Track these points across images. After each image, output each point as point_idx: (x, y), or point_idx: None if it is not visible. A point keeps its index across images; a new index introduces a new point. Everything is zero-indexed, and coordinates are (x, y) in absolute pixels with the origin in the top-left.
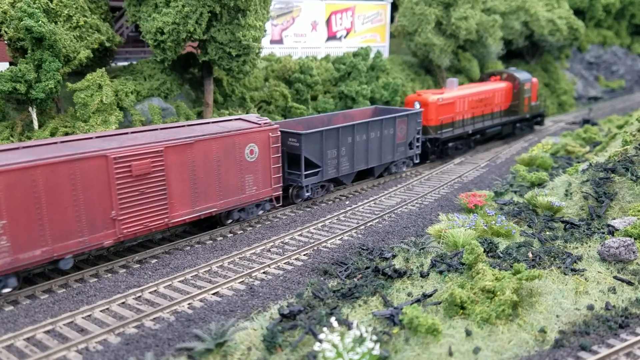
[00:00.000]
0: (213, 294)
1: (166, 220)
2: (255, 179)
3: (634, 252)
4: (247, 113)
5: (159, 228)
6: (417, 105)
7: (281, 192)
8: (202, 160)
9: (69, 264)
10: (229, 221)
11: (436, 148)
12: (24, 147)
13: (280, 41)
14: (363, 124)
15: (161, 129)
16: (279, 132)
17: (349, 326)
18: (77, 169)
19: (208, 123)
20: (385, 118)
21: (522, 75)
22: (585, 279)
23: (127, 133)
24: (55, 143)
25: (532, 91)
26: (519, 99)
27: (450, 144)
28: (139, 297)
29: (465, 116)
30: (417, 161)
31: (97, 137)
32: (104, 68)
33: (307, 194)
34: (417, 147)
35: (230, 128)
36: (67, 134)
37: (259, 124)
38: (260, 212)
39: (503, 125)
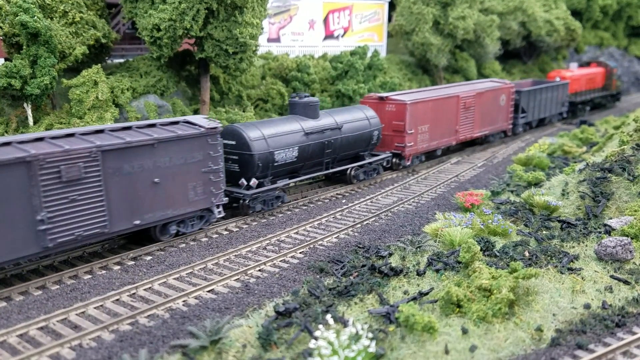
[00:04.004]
0: (208, 291)
1: (472, 134)
2: (501, 117)
3: (630, 252)
4: (243, 111)
5: (468, 139)
6: (558, 79)
7: (511, 127)
8: (485, 103)
9: (440, 152)
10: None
11: (571, 108)
12: (423, 91)
13: (277, 39)
14: (544, 87)
15: (458, 85)
16: (514, 89)
17: (344, 324)
18: (446, 102)
19: (475, 83)
20: (554, 85)
21: (611, 63)
22: (582, 278)
23: (453, 86)
24: (432, 90)
25: (616, 75)
26: (610, 80)
27: (578, 106)
28: (133, 294)
29: (584, 89)
30: (566, 116)
31: (444, 87)
32: (99, 64)
33: (520, 129)
34: (566, 105)
35: (494, 86)
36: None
37: (506, 83)
38: (498, 139)
39: (602, 97)
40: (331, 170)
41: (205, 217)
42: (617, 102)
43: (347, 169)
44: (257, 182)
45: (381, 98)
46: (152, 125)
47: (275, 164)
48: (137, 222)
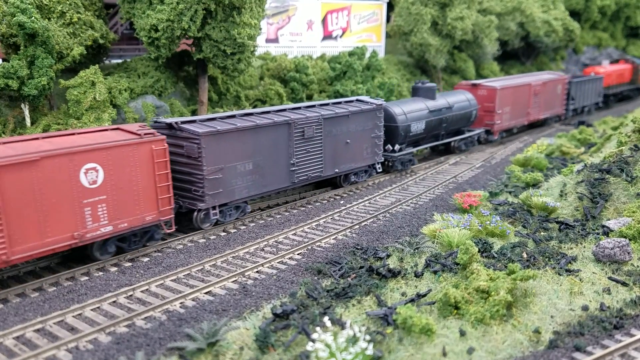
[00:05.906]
0: (205, 293)
1: (538, 116)
2: (557, 103)
3: (628, 253)
4: None
5: (534, 121)
6: (592, 74)
7: (564, 112)
8: (547, 91)
9: (516, 130)
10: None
11: (606, 99)
12: (503, 79)
13: (275, 40)
14: (587, 80)
15: (527, 75)
16: (568, 81)
17: (342, 326)
18: (522, 89)
19: (539, 74)
20: (594, 78)
21: (637, 60)
22: (580, 280)
23: (524, 76)
24: (510, 79)
25: None
26: (636, 75)
27: (611, 97)
28: (131, 296)
29: (615, 83)
30: (601, 106)
31: (518, 77)
32: (97, 65)
33: (570, 114)
34: (602, 96)
35: (553, 77)
36: (59, 130)
37: (560, 75)
38: (554, 122)
39: (629, 90)
40: (442, 142)
41: (369, 171)
42: None
43: (452, 141)
44: (399, 147)
45: (474, 85)
46: (339, 103)
47: (410, 134)
48: (337, 170)
